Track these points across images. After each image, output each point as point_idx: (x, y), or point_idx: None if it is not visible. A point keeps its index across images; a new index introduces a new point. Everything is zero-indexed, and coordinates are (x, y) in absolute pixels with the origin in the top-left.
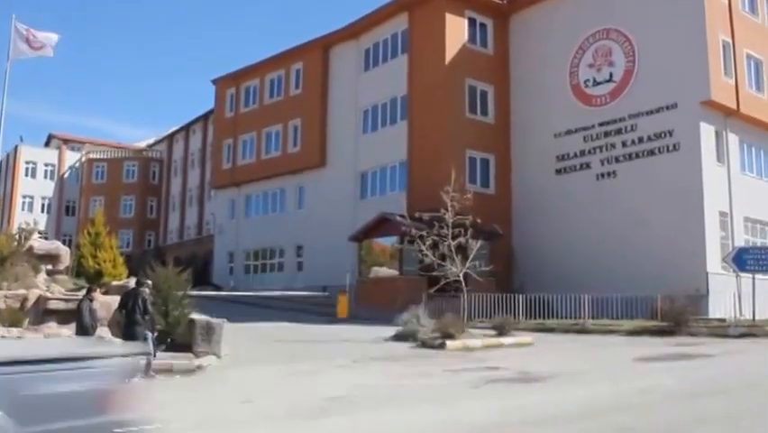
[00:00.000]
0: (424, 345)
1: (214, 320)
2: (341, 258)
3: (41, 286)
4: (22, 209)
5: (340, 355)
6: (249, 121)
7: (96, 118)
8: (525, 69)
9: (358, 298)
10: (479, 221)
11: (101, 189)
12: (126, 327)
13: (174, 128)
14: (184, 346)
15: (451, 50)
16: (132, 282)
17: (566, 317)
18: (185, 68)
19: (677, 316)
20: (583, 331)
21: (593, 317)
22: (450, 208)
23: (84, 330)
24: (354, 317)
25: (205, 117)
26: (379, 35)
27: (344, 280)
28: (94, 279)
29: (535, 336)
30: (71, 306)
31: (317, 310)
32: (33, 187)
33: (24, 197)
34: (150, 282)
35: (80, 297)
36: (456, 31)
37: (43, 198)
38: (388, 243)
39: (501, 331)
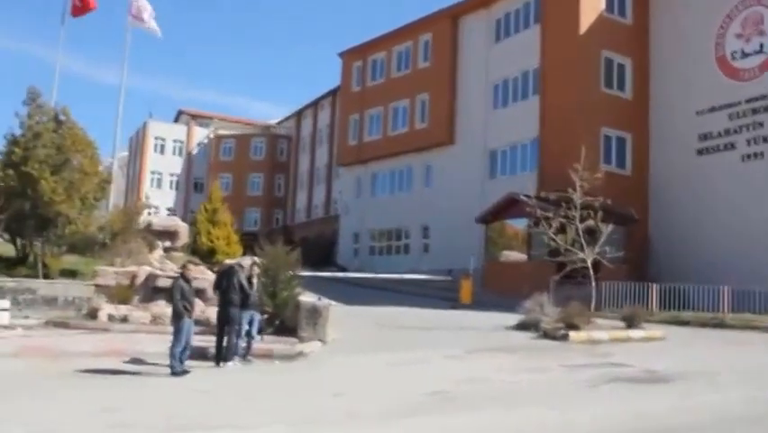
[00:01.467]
0: (546, 335)
1: (320, 303)
2: (468, 240)
3: (153, 263)
4: (151, 185)
5: (453, 345)
6: (375, 95)
7: (229, 96)
8: (667, 41)
9: (484, 283)
10: (609, 202)
11: (229, 166)
12: (222, 306)
13: (303, 104)
14: (292, 330)
15: (586, 20)
16: (245, 261)
17: (703, 310)
18: (317, 44)
19: None
20: (721, 326)
21: (733, 311)
22: (578, 188)
23: (176, 312)
24: (478, 304)
25: (333, 93)
26: (511, 4)
27: (470, 264)
28: (206, 256)
29: (668, 330)
30: None
31: (440, 295)
32: (162, 163)
33: (153, 173)
34: (242, 263)
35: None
36: None
37: (171, 175)
38: (520, 225)
39: (631, 323)
